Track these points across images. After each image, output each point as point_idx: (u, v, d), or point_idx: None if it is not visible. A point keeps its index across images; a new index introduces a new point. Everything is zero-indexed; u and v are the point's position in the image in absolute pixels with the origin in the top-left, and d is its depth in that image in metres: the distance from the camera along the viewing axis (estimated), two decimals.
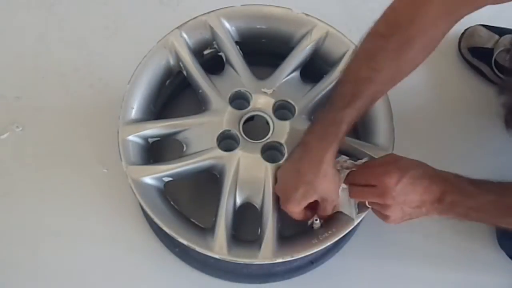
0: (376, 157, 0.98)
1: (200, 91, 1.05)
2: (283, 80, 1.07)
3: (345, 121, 0.86)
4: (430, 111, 1.23)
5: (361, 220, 0.96)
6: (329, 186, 0.89)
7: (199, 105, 1.07)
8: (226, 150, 0.99)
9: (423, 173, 0.85)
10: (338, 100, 0.88)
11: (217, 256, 0.92)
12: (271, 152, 1.01)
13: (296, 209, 0.91)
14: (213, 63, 1.10)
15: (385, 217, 0.89)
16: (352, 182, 0.91)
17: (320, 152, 0.87)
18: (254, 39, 1.11)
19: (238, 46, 1.09)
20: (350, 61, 0.89)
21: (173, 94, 1.14)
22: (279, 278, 1.05)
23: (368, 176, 0.89)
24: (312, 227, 0.97)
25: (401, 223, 0.90)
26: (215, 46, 1.10)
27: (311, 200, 0.89)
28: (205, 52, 1.11)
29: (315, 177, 0.87)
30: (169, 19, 1.12)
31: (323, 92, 1.06)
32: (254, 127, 1.04)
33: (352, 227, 0.95)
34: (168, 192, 1.01)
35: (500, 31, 1.23)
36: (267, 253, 0.93)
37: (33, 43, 1.26)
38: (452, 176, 0.86)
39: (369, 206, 0.91)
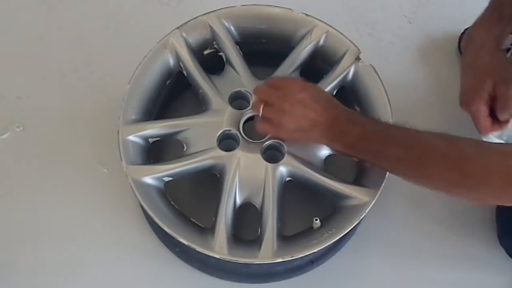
0: None
1: (200, 91, 1.06)
2: None
3: (505, 3, 0.93)
4: (430, 111, 1.23)
5: (360, 221, 0.96)
6: (500, 67, 0.93)
7: (199, 105, 1.07)
8: (226, 150, 0.99)
9: (326, 97, 0.90)
10: None
11: (217, 256, 0.92)
12: (271, 152, 1.01)
13: (477, 104, 0.94)
14: (213, 63, 1.10)
15: (277, 126, 0.91)
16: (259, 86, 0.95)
17: (483, 39, 0.93)
18: (254, 39, 1.11)
19: (238, 46, 1.09)
20: None
21: (173, 94, 1.14)
22: (279, 278, 1.05)
23: (275, 80, 0.95)
24: (312, 227, 0.97)
25: (292, 139, 0.94)
26: (215, 46, 1.10)
27: (486, 87, 0.92)
28: (205, 52, 1.11)
29: (482, 61, 0.92)
30: (169, 19, 1.12)
31: None
32: (254, 127, 1.04)
33: (352, 226, 0.95)
34: (168, 192, 1.01)
35: None
36: (267, 253, 0.93)
37: (33, 43, 1.26)
38: (352, 111, 0.93)
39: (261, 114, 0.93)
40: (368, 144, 0.87)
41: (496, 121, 0.98)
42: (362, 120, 0.90)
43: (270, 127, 0.93)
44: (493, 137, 0.99)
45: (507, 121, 0.97)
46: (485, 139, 1.00)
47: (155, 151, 1.06)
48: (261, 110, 0.93)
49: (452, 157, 0.79)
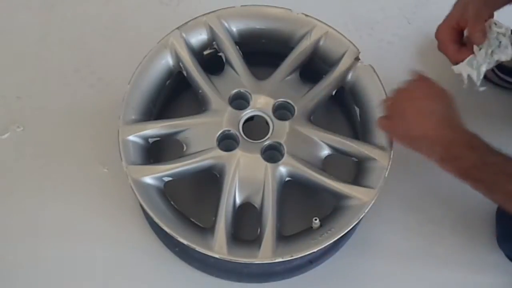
0: (374, 157, 0.98)
1: (200, 91, 1.06)
2: (283, 80, 1.07)
3: None
4: None
5: (359, 221, 0.96)
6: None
7: (199, 105, 1.07)
8: (226, 150, 0.99)
9: (448, 113, 0.86)
10: None
11: (217, 256, 0.93)
12: (270, 152, 1.01)
13: (442, 29, 0.95)
14: (213, 63, 1.10)
15: (391, 126, 0.90)
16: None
17: None
18: (254, 40, 1.11)
19: (238, 46, 1.09)
20: None
21: (173, 94, 1.14)
22: (278, 278, 1.06)
23: (414, 77, 0.92)
24: (312, 227, 0.97)
25: (403, 143, 0.91)
26: (215, 46, 1.10)
27: (454, 13, 0.94)
28: (205, 52, 1.11)
29: None
30: (169, 19, 1.12)
31: (323, 92, 1.06)
32: (254, 127, 1.04)
33: (352, 226, 0.95)
34: (168, 192, 1.01)
35: None
36: (266, 253, 0.93)
37: (33, 43, 1.26)
38: (473, 135, 0.86)
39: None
40: (482, 174, 0.83)
41: (464, 48, 0.96)
42: (481, 148, 0.84)
43: (385, 125, 0.92)
44: (464, 65, 0.98)
45: (471, 50, 0.96)
46: (456, 71, 0.99)
47: (155, 151, 1.06)
48: (386, 105, 0.92)
49: None
